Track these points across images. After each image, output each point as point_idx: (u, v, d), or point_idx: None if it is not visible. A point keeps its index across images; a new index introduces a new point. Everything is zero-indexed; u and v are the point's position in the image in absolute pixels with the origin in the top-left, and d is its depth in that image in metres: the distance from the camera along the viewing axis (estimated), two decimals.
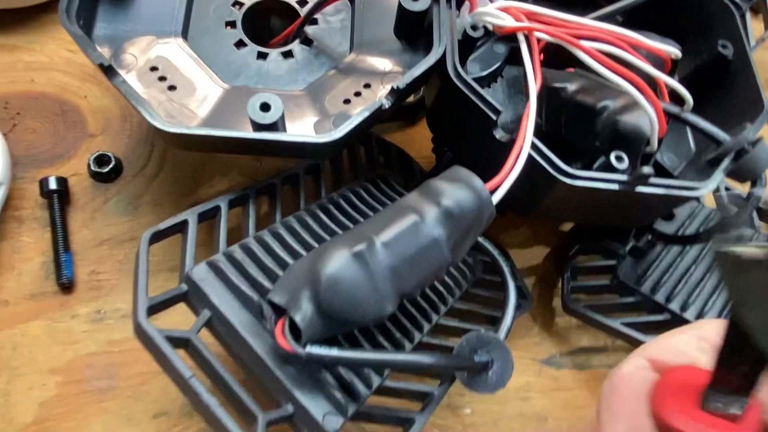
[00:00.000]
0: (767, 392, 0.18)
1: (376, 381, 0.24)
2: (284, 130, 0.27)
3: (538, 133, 0.33)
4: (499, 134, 0.28)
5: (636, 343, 0.33)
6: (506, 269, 0.31)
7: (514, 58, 0.38)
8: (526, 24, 0.29)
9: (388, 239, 0.22)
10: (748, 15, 0.40)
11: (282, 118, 0.26)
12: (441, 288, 0.29)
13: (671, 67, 0.33)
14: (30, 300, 0.31)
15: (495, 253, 0.31)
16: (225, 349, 0.23)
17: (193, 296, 0.23)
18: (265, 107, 0.25)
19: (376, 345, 0.24)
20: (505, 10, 0.30)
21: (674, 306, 0.34)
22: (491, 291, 0.33)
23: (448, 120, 0.32)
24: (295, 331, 0.21)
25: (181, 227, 0.25)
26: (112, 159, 0.33)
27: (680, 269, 0.35)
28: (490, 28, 0.31)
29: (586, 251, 0.37)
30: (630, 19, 0.37)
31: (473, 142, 0.30)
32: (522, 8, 0.30)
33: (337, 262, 0.21)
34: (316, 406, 0.22)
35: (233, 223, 0.27)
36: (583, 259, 0.37)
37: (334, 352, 0.21)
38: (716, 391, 0.18)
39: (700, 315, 0.33)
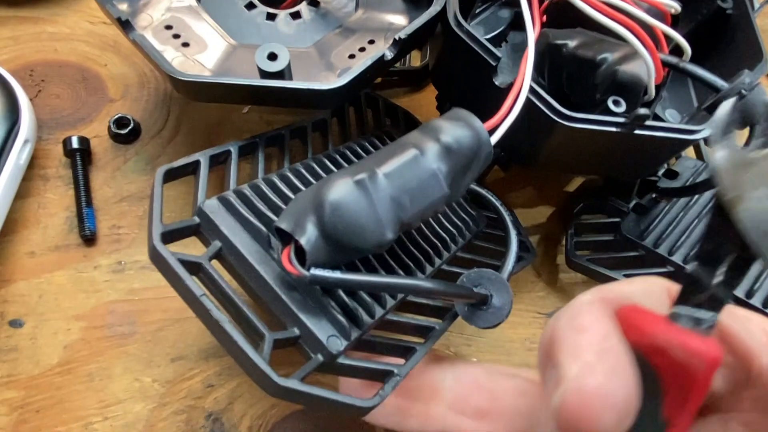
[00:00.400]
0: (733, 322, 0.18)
1: (378, 311, 0.25)
2: (291, 80, 0.28)
3: None
4: (498, 80, 0.29)
5: None
6: (507, 218, 0.31)
7: (518, 23, 0.39)
8: None
9: (389, 170, 0.23)
10: None
11: (288, 67, 0.27)
12: (444, 234, 0.30)
13: (671, 21, 0.33)
14: (55, 251, 0.32)
15: (497, 202, 0.31)
16: (235, 280, 0.24)
17: (205, 228, 0.24)
18: (272, 57, 0.27)
19: None
20: None
21: (677, 258, 0.34)
22: (494, 244, 0.34)
23: (451, 72, 0.33)
24: (301, 257, 0.22)
25: (194, 167, 0.26)
26: (131, 121, 0.35)
27: (683, 224, 0.36)
28: None
29: (591, 210, 0.38)
30: None
31: (475, 92, 0.31)
32: None
33: (341, 189, 0.22)
34: (320, 329, 0.23)
35: (244, 172, 0.29)
36: (587, 217, 0.38)
37: (336, 274, 0.22)
38: (685, 307, 0.17)
39: None
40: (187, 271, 0.22)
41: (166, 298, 0.32)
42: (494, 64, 0.28)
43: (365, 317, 0.24)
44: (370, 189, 0.23)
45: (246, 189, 0.25)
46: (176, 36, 0.30)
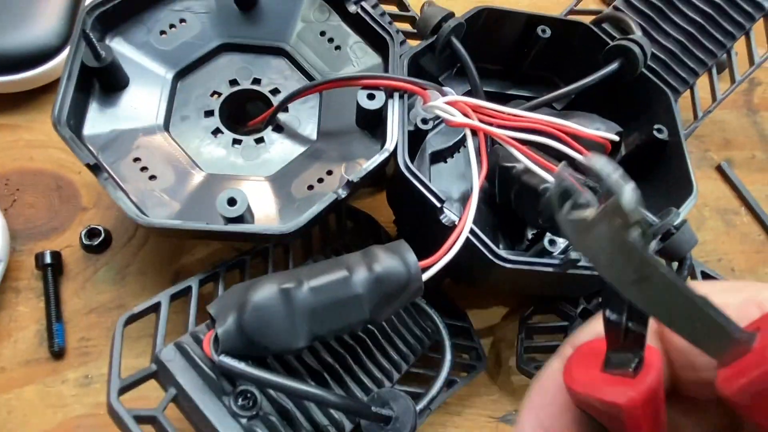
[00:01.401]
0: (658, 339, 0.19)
1: None
2: (251, 219, 0.30)
3: (492, 201, 0.36)
4: (444, 219, 0.31)
5: None
6: (446, 337, 0.32)
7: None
8: (469, 121, 0.32)
9: (316, 285, 0.26)
10: (696, 88, 0.43)
11: (249, 209, 0.29)
12: (394, 354, 0.32)
13: (611, 148, 0.36)
14: (24, 366, 0.34)
15: (438, 322, 0.33)
16: (190, 424, 0.26)
17: (161, 375, 0.26)
18: (231, 202, 0.29)
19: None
20: (453, 104, 0.33)
21: None
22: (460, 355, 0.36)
23: (402, 202, 0.35)
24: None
25: (155, 308, 0.28)
26: (102, 232, 0.37)
27: None
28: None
29: (542, 312, 0.40)
30: (581, 98, 0.41)
31: (422, 223, 0.33)
32: (468, 102, 0.33)
33: (265, 293, 0.25)
34: None
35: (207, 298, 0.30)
36: (539, 319, 0.40)
37: (242, 365, 0.24)
38: (614, 353, 0.18)
39: None
40: (141, 425, 0.24)
41: None
42: (439, 206, 0.30)
43: None
44: (293, 298, 0.25)
45: (202, 332, 0.27)
46: (144, 169, 0.32)
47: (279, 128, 0.35)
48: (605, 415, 0.18)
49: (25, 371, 0.34)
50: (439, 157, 0.40)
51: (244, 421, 0.25)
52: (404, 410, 0.27)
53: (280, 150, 0.34)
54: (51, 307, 0.34)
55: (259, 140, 0.35)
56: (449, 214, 0.31)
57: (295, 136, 0.35)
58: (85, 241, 0.36)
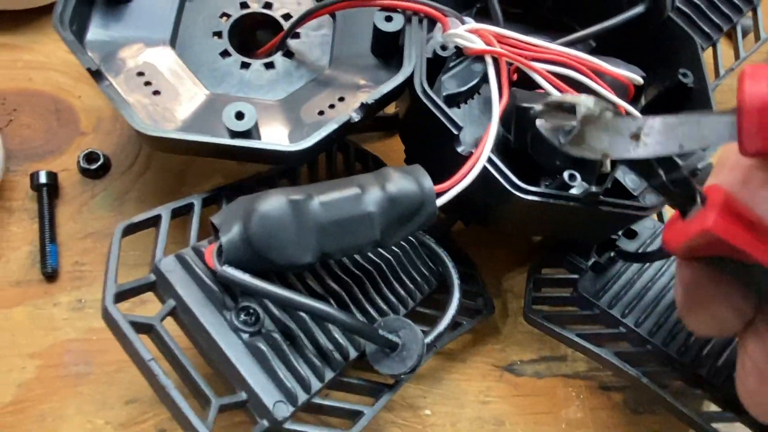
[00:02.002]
0: None
1: (329, 375, 0.26)
2: (258, 137, 0.29)
3: (506, 148, 0.35)
4: (460, 148, 0.29)
5: (590, 355, 0.35)
6: (454, 277, 0.31)
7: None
8: (492, 48, 0.30)
9: (326, 200, 0.25)
10: (720, 46, 0.42)
11: (256, 126, 0.28)
12: (401, 290, 0.31)
13: (634, 92, 0.34)
14: (15, 286, 0.32)
15: (447, 260, 0.32)
16: (188, 339, 0.25)
17: (160, 286, 0.25)
18: (239, 116, 0.27)
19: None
20: (475, 32, 0.31)
21: (629, 321, 0.35)
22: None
23: (417, 134, 0.34)
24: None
25: (155, 221, 0.27)
26: (101, 156, 0.35)
27: (638, 286, 0.37)
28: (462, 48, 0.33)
29: (551, 264, 0.39)
30: (602, 45, 0.39)
31: (438, 154, 0.32)
32: (492, 31, 0.32)
33: (273, 203, 0.24)
34: (267, 394, 0.23)
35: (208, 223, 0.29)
36: (548, 271, 0.39)
37: (245, 276, 0.23)
38: (681, 206, 0.21)
39: (652, 331, 0.35)
40: (137, 333, 0.22)
41: None
42: (456, 133, 0.29)
43: (314, 381, 0.25)
44: (303, 210, 0.24)
45: (204, 247, 0.26)
46: (147, 83, 0.30)
47: (290, 54, 0.34)
48: (716, 248, 0.20)
49: (15, 292, 0.32)
50: (452, 101, 0.39)
51: (245, 336, 0.24)
52: (412, 338, 0.26)
53: (290, 75, 0.33)
54: (45, 227, 0.33)
55: (269, 65, 0.33)
56: (466, 145, 0.29)
57: (306, 62, 0.33)
58: (83, 165, 0.35)
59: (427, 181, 0.26)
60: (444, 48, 0.32)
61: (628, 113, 0.31)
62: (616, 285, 0.37)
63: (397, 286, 0.31)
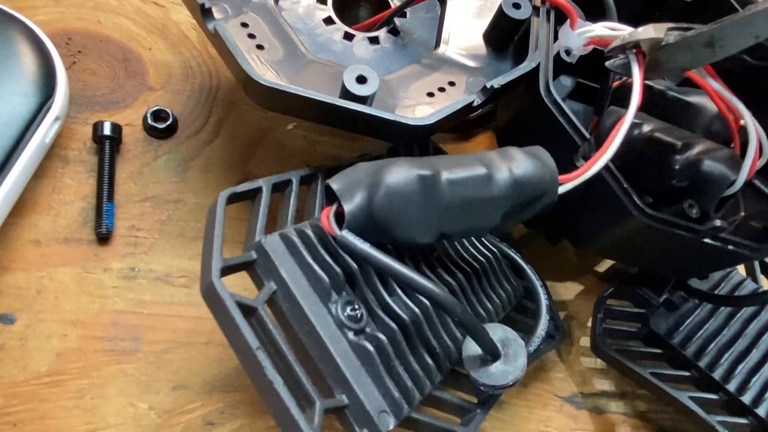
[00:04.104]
0: None
1: (428, 387, 0.23)
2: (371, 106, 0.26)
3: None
4: (579, 162, 0.28)
5: (661, 395, 0.33)
6: (542, 296, 0.30)
7: (578, 93, 0.38)
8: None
9: (453, 178, 0.23)
10: None
11: (375, 94, 0.26)
12: (495, 297, 0.29)
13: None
14: (63, 244, 0.29)
15: (534, 278, 0.30)
16: (281, 327, 0.22)
17: (260, 266, 0.22)
18: (361, 80, 0.25)
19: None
20: (612, 29, 0.29)
21: (702, 363, 0.34)
22: (525, 315, 0.32)
23: (525, 139, 0.32)
24: (339, 221, 0.22)
25: (254, 194, 0.24)
26: (170, 116, 0.32)
27: (712, 328, 0.35)
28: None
29: (620, 296, 0.37)
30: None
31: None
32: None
33: (402, 176, 0.22)
34: (372, 401, 0.21)
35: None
36: (614, 303, 0.37)
37: (366, 245, 0.21)
38: None
39: (726, 376, 0.33)
40: (245, 318, 0.20)
41: (178, 317, 0.29)
42: (580, 143, 0.27)
43: (416, 393, 0.22)
44: (430, 187, 0.22)
45: (307, 228, 0.23)
46: (251, 36, 0.28)
47: (395, 31, 0.32)
48: None
49: (63, 250, 0.29)
50: None
51: (350, 334, 0.22)
52: (515, 348, 0.24)
53: (394, 53, 0.31)
54: (104, 184, 0.30)
55: (374, 39, 0.31)
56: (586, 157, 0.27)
57: (412, 42, 0.32)
58: (149, 122, 0.32)
59: (553, 166, 0.25)
60: (568, 52, 0.30)
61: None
62: (690, 325, 0.35)
63: (491, 292, 0.28)
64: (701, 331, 0.35)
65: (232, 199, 0.23)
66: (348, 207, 0.21)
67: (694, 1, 0.37)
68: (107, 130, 0.30)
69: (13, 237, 0.28)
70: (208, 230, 0.21)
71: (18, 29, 0.29)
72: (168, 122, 0.32)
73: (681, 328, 0.35)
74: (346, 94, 0.25)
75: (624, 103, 0.32)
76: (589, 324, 0.36)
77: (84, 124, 0.32)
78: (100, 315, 0.28)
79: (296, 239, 0.22)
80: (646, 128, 0.31)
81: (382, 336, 0.22)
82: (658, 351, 0.35)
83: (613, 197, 0.26)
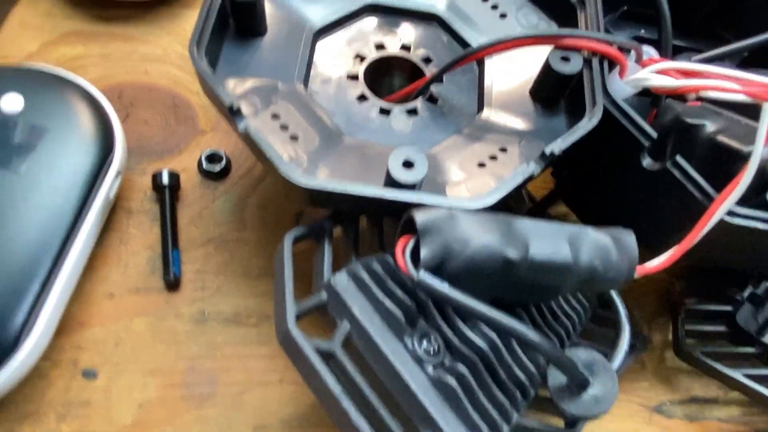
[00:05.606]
0: None
1: (515, 417, 0.22)
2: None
3: None
4: (646, 162, 0.26)
5: (757, 398, 0.31)
6: (621, 307, 0.29)
7: None
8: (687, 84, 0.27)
9: (538, 261, 0.21)
10: None
11: (424, 178, 0.24)
12: (571, 312, 0.28)
13: None
14: (134, 294, 0.30)
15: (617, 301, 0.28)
16: (360, 367, 0.22)
17: (333, 306, 0.22)
18: (408, 164, 0.23)
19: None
20: (663, 72, 0.28)
21: None
22: (599, 324, 0.31)
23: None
24: (414, 259, 0.21)
25: (318, 232, 0.24)
26: (224, 157, 0.33)
27: None
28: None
29: (700, 294, 0.35)
30: (756, 56, 0.36)
31: (610, 172, 0.28)
32: (685, 69, 0.28)
33: (488, 252, 0.21)
34: None
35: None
36: (692, 302, 0.35)
37: (445, 286, 0.20)
38: None
39: None
40: (325, 363, 0.19)
41: (250, 357, 0.29)
42: (646, 144, 0.26)
43: (503, 425, 0.21)
44: (510, 272, 0.21)
45: (374, 263, 0.23)
46: (284, 127, 0.26)
47: (433, 99, 0.30)
48: None
49: (135, 300, 0.30)
50: None
51: (429, 369, 0.21)
52: (604, 375, 0.22)
53: (436, 123, 0.29)
54: (167, 231, 0.30)
55: (412, 111, 0.29)
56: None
57: (452, 109, 0.30)
58: (205, 166, 0.32)
59: (634, 255, 0.23)
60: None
61: None
62: None
63: (567, 307, 0.27)
64: None
65: (298, 239, 0.23)
66: (425, 252, 0.20)
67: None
68: (166, 180, 0.31)
69: (88, 291, 0.29)
70: (278, 276, 0.21)
71: (74, 91, 0.30)
72: (222, 164, 0.33)
73: None
74: (391, 182, 0.23)
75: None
76: (666, 325, 0.35)
77: (142, 174, 0.32)
78: (176, 362, 0.29)
79: (364, 275, 0.22)
80: (709, 129, 0.29)
81: (462, 368, 0.21)
82: (750, 350, 0.33)
83: (692, 200, 0.25)
